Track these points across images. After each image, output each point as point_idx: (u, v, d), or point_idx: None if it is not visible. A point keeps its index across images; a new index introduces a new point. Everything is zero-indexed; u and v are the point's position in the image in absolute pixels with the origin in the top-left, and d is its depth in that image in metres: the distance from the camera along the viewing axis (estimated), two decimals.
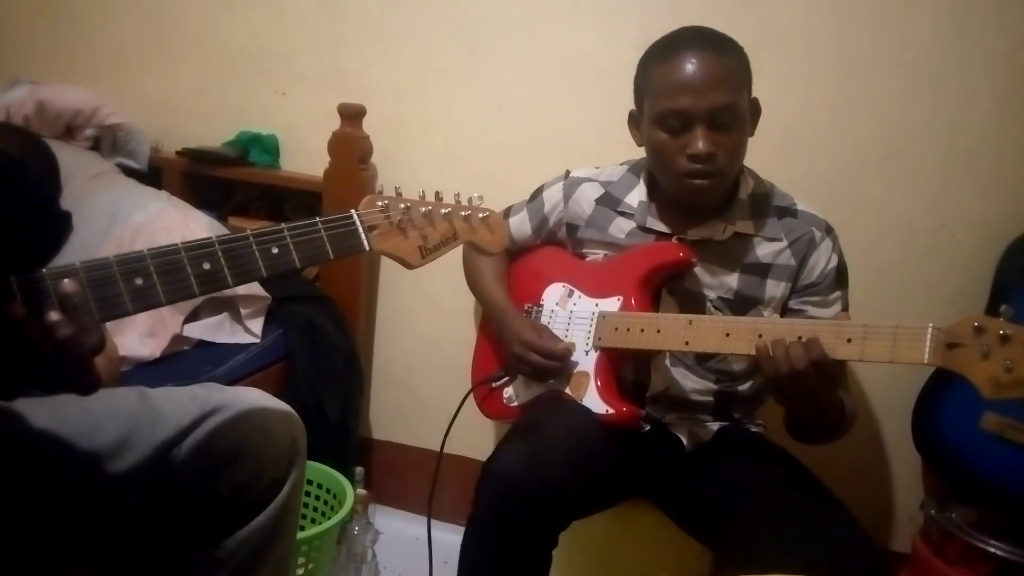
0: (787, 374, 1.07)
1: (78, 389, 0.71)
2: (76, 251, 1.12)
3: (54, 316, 0.67)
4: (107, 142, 1.91)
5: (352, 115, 1.73)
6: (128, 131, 1.90)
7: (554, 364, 1.33)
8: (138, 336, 1.50)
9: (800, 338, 1.07)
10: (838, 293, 1.32)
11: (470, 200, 0.98)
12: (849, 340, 1.06)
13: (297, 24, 1.84)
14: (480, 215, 0.97)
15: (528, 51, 1.71)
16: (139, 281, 0.73)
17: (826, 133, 1.59)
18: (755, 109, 1.28)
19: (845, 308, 1.33)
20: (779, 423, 1.30)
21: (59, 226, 1.26)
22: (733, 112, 1.20)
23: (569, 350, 1.34)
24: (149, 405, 0.92)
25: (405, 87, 1.80)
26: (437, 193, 0.96)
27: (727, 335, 1.17)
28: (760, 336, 1.12)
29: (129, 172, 1.89)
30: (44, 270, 0.70)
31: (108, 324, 1.12)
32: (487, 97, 1.75)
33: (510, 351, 1.39)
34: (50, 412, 0.89)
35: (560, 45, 1.69)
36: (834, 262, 1.31)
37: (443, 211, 0.94)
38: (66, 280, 0.69)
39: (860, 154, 1.58)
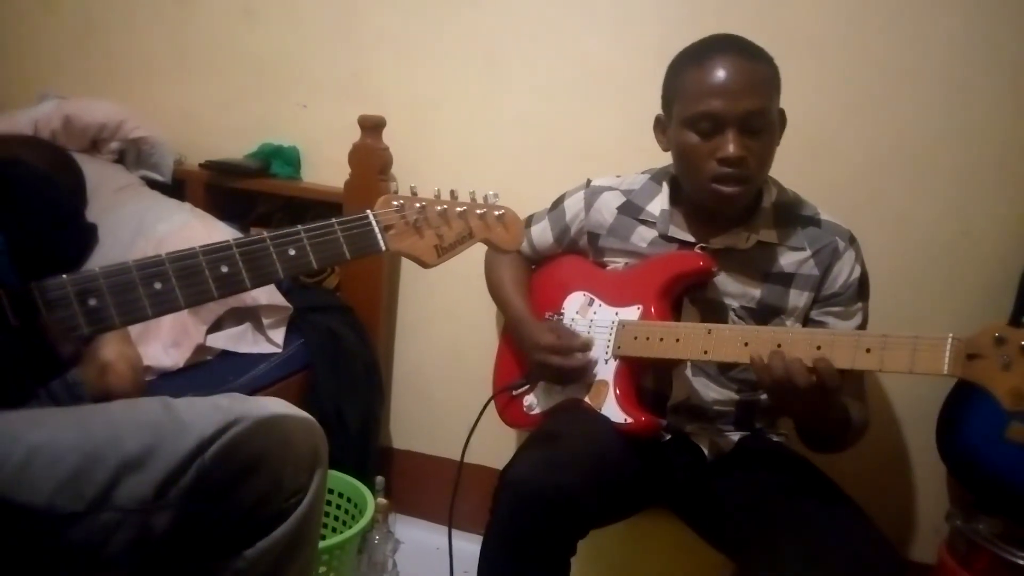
0: (788, 388, 1.07)
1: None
2: (102, 262, 1.14)
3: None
4: (132, 155, 1.94)
5: (372, 127, 1.74)
6: (152, 144, 1.92)
7: (576, 362, 1.32)
8: (162, 346, 1.52)
9: (818, 348, 1.06)
10: (859, 305, 1.31)
11: (485, 198, 0.97)
12: (868, 350, 1.05)
13: (317, 38, 1.86)
14: (495, 213, 0.97)
15: (546, 61, 1.72)
16: (158, 285, 0.74)
17: (846, 140, 1.58)
18: (782, 119, 1.28)
19: (865, 320, 1.32)
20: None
21: (85, 237, 1.28)
22: (764, 118, 1.21)
23: (589, 344, 1.34)
24: (173, 415, 0.93)
25: (424, 98, 1.81)
26: (452, 192, 0.95)
27: (746, 344, 1.16)
28: (779, 346, 1.11)
29: (153, 184, 1.92)
30: (64, 276, 0.71)
31: (133, 333, 1.14)
32: (506, 107, 1.76)
33: (531, 359, 1.39)
34: (74, 420, 0.90)
35: (578, 55, 1.69)
36: (857, 273, 1.30)
37: (458, 209, 0.94)
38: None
39: (881, 161, 1.57)
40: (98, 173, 1.80)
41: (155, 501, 0.88)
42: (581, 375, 1.35)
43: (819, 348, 1.09)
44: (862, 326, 1.32)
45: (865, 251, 1.33)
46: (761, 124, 1.21)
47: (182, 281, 0.74)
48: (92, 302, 0.70)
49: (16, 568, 0.82)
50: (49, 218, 1.09)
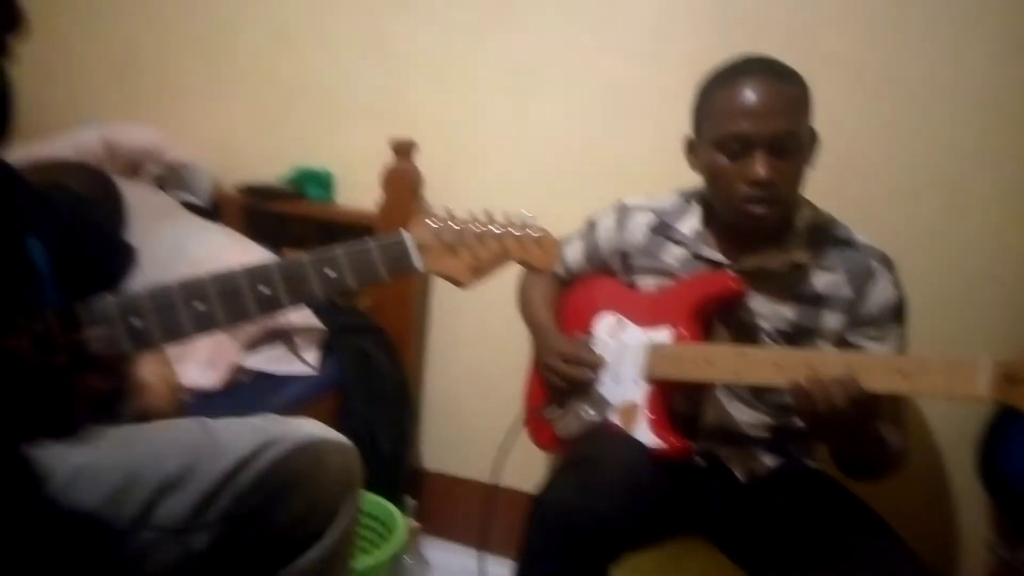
0: (822, 412, 1.05)
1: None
2: (142, 284, 1.16)
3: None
4: (170, 179, 1.98)
5: (404, 149, 1.77)
6: (190, 168, 1.97)
7: (580, 372, 1.33)
8: (199, 367, 1.54)
9: (853, 365, 1.05)
10: (896, 328, 1.28)
11: (521, 218, 0.98)
12: (903, 373, 1.03)
13: (350, 62, 1.89)
14: (531, 233, 0.97)
15: (577, 82, 1.73)
16: (199, 305, 0.75)
17: (880, 160, 1.57)
18: (813, 140, 1.28)
19: (902, 344, 1.29)
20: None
21: (125, 260, 1.31)
22: (794, 139, 1.20)
23: (600, 362, 1.34)
24: (210, 436, 0.94)
25: (455, 120, 1.83)
26: (487, 211, 0.95)
27: (777, 366, 1.15)
28: (812, 368, 1.10)
29: (191, 208, 1.96)
30: (108, 296, 0.72)
31: (170, 354, 1.16)
32: (537, 128, 1.77)
33: (542, 363, 1.40)
34: (116, 441, 0.92)
35: (609, 75, 1.70)
36: (893, 296, 1.28)
37: (494, 230, 0.94)
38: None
39: (915, 180, 1.55)
40: (138, 197, 1.84)
41: (193, 520, 0.90)
42: (582, 388, 1.35)
43: (853, 371, 1.07)
44: (899, 350, 1.29)
45: (901, 274, 1.31)
46: (791, 145, 1.20)
47: (223, 301, 0.75)
48: (135, 321, 0.72)
49: None
50: (91, 241, 1.11)
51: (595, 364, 1.35)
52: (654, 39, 1.66)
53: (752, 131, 1.19)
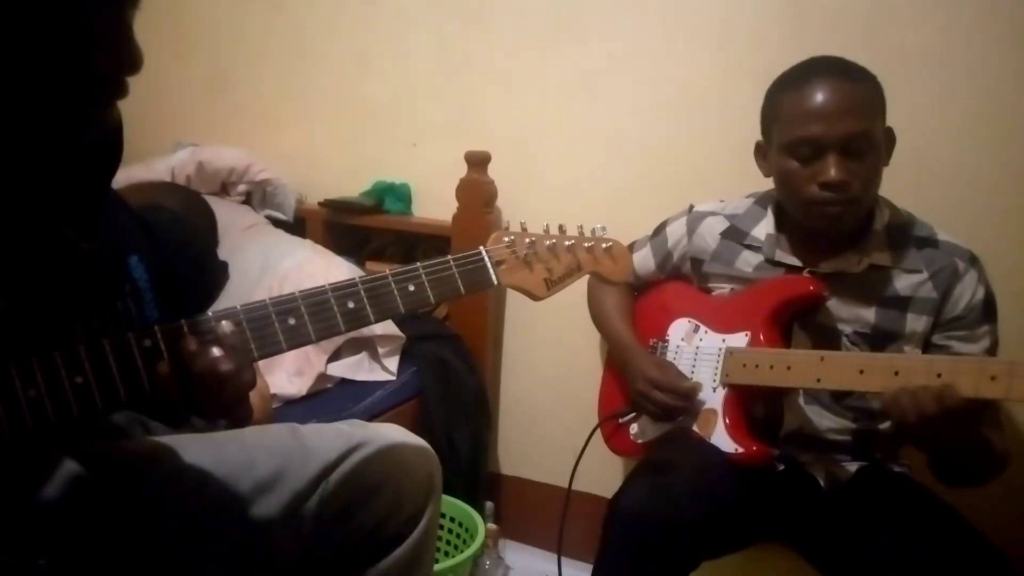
0: (915, 422, 1.03)
1: (233, 420, 0.78)
2: (232, 297, 1.23)
3: (216, 352, 0.74)
4: (257, 196, 2.08)
5: (478, 162, 1.80)
6: (276, 185, 2.05)
7: (679, 403, 1.32)
8: (286, 375, 1.61)
9: (939, 375, 1.02)
10: (986, 327, 1.24)
11: (593, 231, 0.99)
12: (993, 377, 1.00)
13: (425, 79, 1.94)
14: (603, 245, 0.98)
15: (647, 89, 1.73)
16: (292, 321, 0.78)
17: (964, 155, 1.51)
18: (889, 139, 1.25)
19: (994, 344, 1.25)
20: (926, 464, 1.24)
21: (217, 274, 1.38)
22: (867, 140, 1.18)
23: (695, 389, 1.33)
24: (300, 441, 0.98)
25: (527, 132, 1.85)
26: (561, 226, 0.97)
27: (861, 372, 1.13)
28: (896, 373, 1.08)
29: (277, 223, 2.04)
30: (210, 313, 0.77)
31: (260, 364, 1.22)
32: (606, 137, 1.78)
33: (634, 388, 1.39)
34: (212, 447, 0.97)
35: (678, 81, 1.70)
36: (980, 294, 1.24)
37: (567, 243, 0.96)
38: (224, 322, 0.76)
39: (1003, 175, 1.48)
40: (228, 214, 1.93)
41: (283, 522, 0.94)
42: (678, 415, 1.34)
43: (940, 376, 1.04)
44: (991, 350, 1.25)
45: (988, 271, 1.26)
46: (864, 146, 1.18)
47: (313, 316, 0.79)
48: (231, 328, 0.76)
49: None
50: (186, 257, 1.18)
51: (689, 393, 1.33)
52: (724, 42, 1.65)
53: (823, 134, 1.17)
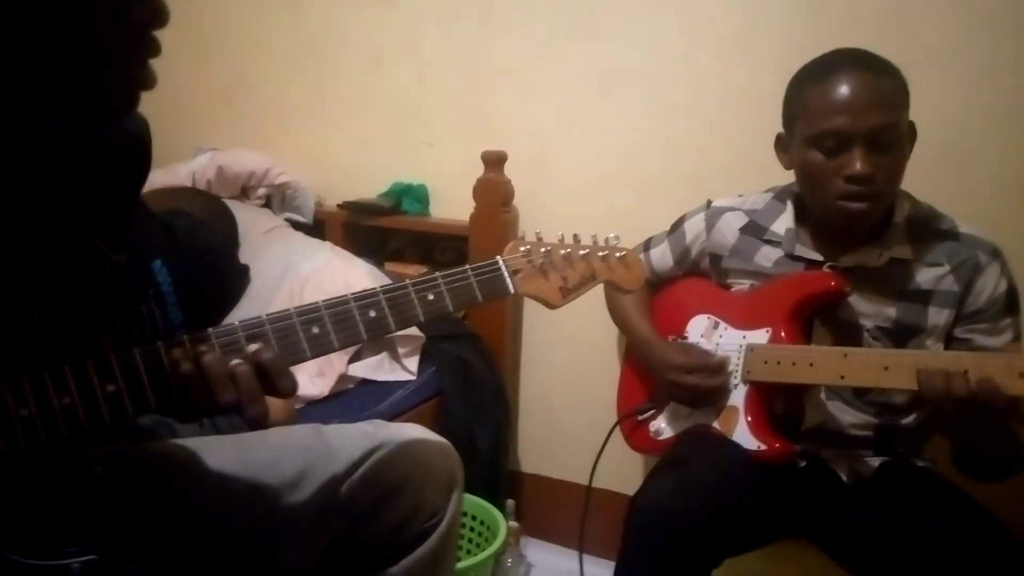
0: (952, 409, 1.02)
1: (248, 421, 0.79)
2: (254, 299, 1.24)
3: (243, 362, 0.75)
4: (277, 199, 2.10)
5: (495, 161, 1.81)
6: (295, 188, 2.07)
7: (714, 382, 1.31)
8: (308, 376, 1.63)
9: (966, 372, 1.02)
10: (1009, 320, 1.23)
11: (607, 240, 1.01)
12: (1022, 374, 0.99)
13: (441, 80, 1.95)
14: (617, 254, 1.00)
15: (663, 85, 1.73)
16: (316, 329, 0.80)
17: (985, 147, 1.49)
18: (912, 133, 1.24)
19: (1017, 336, 1.24)
20: (949, 458, 1.23)
21: (239, 277, 1.40)
22: (893, 132, 1.17)
23: (725, 363, 1.32)
24: (323, 440, 1.00)
25: (543, 130, 1.86)
26: (576, 236, 0.99)
27: (885, 369, 1.12)
28: (933, 369, 1.07)
29: (297, 226, 2.06)
30: (237, 322, 0.78)
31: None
32: (623, 133, 1.78)
33: (663, 380, 1.38)
34: (237, 448, 0.99)
35: (695, 76, 1.70)
36: (1003, 287, 1.23)
37: (581, 252, 0.97)
38: (251, 345, 0.77)
39: (1019, 169, 1.47)
40: (248, 217, 1.95)
41: (308, 521, 0.95)
42: (717, 396, 1.33)
43: (966, 372, 1.03)
44: (1014, 342, 1.24)
45: (1012, 264, 1.25)
46: (890, 139, 1.17)
47: (336, 325, 0.81)
48: (259, 345, 0.77)
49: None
50: (208, 261, 1.20)
51: (720, 367, 1.32)
52: (739, 38, 1.64)
53: (849, 126, 1.16)
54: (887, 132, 1.17)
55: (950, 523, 1.15)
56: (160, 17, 0.67)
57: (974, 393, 1.01)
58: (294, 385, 0.77)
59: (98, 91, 0.67)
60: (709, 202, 1.47)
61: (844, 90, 1.17)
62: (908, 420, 1.29)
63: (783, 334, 1.29)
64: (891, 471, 1.30)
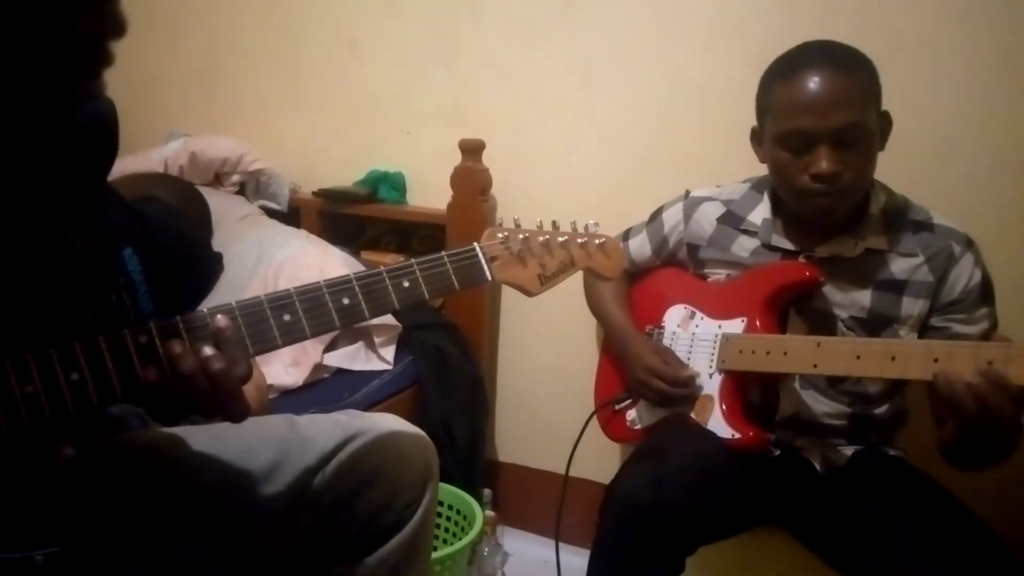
0: (974, 412, 1.02)
1: (230, 416, 0.78)
2: (227, 288, 1.22)
3: (208, 351, 0.74)
4: (251, 186, 2.07)
5: (472, 150, 1.80)
6: (270, 175, 2.05)
7: (679, 391, 1.33)
8: (283, 366, 1.61)
9: (936, 360, 1.03)
10: (984, 310, 1.25)
11: (586, 227, 1.00)
12: (991, 362, 1.00)
13: (419, 67, 1.93)
14: (596, 241, 0.99)
15: (641, 75, 1.72)
16: (287, 317, 0.79)
17: (959, 139, 1.51)
18: (886, 123, 1.24)
19: (993, 326, 1.25)
20: (922, 447, 1.24)
21: (212, 265, 1.38)
22: (859, 130, 1.17)
23: (694, 378, 1.34)
24: (297, 431, 0.99)
25: (522, 119, 1.85)
26: (554, 222, 0.98)
27: (857, 357, 1.13)
28: (893, 359, 1.08)
29: (271, 213, 2.04)
30: (205, 309, 0.77)
31: (257, 356, 1.23)
32: (602, 123, 1.78)
33: (633, 376, 1.40)
34: (209, 439, 0.97)
35: (673, 68, 1.69)
36: (977, 277, 1.24)
37: (560, 239, 0.96)
38: (219, 316, 0.76)
39: (997, 159, 1.49)
40: (222, 205, 1.93)
41: (281, 512, 0.95)
42: (681, 404, 1.34)
43: (936, 360, 1.05)
44: (989, 331, 1.25)
45: (984, 254, 1.26)
46: (856, 136, 1.17)
47: (308, 313, 0.79)
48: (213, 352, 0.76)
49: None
50: (180, 249, 1.17)
51: (688, 382, 1.33)
52: (718, 27, 1.64)
53: (814, 126, 1.16)
54: (853, 130, 1.16)
55: (920, 511, 1.16)
56: (113, 29, 0.65)
57: (987, 393, 1.01)
58: (248, 372, 0.75)
59: (44, 99, 0.65)
60: (688, 192, 1.48)
61: (809, 89, 1.16)
62: (881, 410, 1.31)
63: (758, 324, 1.30)
64: (864, 460, 1.31)
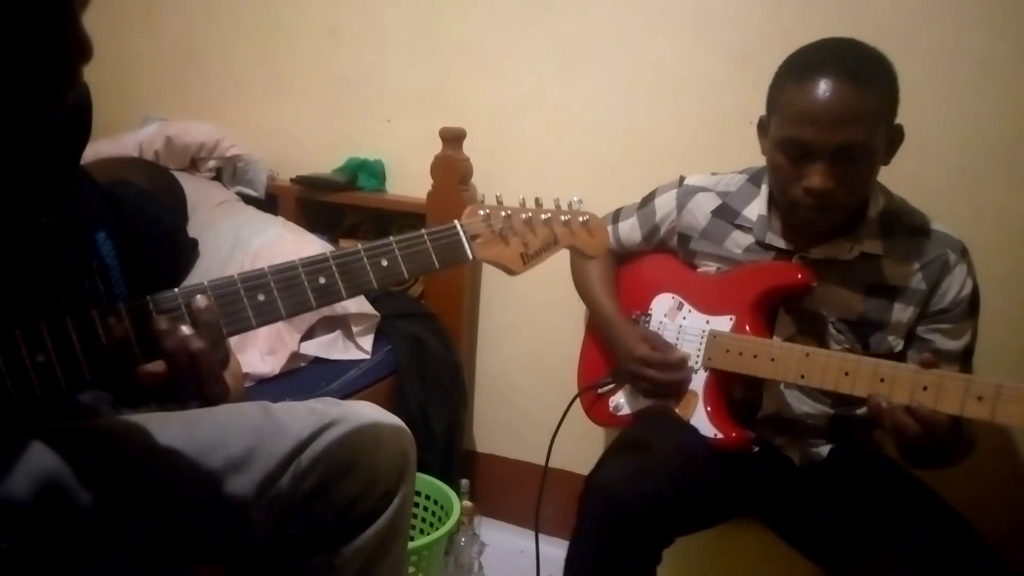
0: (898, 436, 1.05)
1: (209, 399, 0.76)
2: (202, 275, 1.20)
3: (186, 330, 0.72)
4: (228, 172, 2.04)
5: (453, 138, 1.78)
6: (247, 161, 2.02)
7: (672, 376, 1.31)
8: (259, 354, 1.59)
9: (924, 388, 1.05)
10: (968, 322, 1.23)
11: (570, 204, 0.98)
12: (980, 398, 1.00)
13: (400, 54, 1.91)
14: (580, 219, 0.97)
15: (622, 66, 1.72)
16: (261, 297, 0.77)
17: (939, 134, 1.51)
18: (896, 137, 1.20)
19: (973, 338, 1.24)
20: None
21: (187, 251, 1.35)
22: (860, 149, 1.12)
23: (685, 359, 1.32)
24: (272, 419, 0.97)
25: (503, 108, 1.84)
26: (537, 199, 0.96)
27: (846, 374, 1.12)
28: (882, 380, 1.07)
29: (248, 200, 2.01)
30: (176, 290, 0.75)
31: (232, 342, 1.21)
32: (583, 114, 1.77)
33: (624, 367, 1.37)
34: (182, 426, 0.95)
35: (654, 59, 1.69)
36: (968, 288, 1.22)
37: (543, 217, 0.94)
38: (198, 296, 0.74)
39: (976, 155, 1.49)
40: (198, 190, 1.90)
41: (256, 500, 0.93)
42: (675, 390, 1.33)
43: (925, 389, 1.04)
44: (970, 344, 1.24)
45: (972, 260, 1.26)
46: (858, 155, 1.12)
47: (283, 292, 0.77)
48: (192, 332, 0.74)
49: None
50: (155, 234, 1.15)
51: (680, 364, 1.31)
52: (700, 19, 1.63)
53: (814, 139, 1.12)
54: (855, 149, 1.12)
55: (895, 501, 1.17)
56: (77, 56, 0.64)
57: (921, 430, 1.04)
58: (226, 355, 0.74)
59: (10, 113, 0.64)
60: (682, 179, 1.44)
61: (817, 100, 1.10)
62: (863, 410, 1.29)
63: (747, 325, 1.28)
64: (841, 455, 1.31)
